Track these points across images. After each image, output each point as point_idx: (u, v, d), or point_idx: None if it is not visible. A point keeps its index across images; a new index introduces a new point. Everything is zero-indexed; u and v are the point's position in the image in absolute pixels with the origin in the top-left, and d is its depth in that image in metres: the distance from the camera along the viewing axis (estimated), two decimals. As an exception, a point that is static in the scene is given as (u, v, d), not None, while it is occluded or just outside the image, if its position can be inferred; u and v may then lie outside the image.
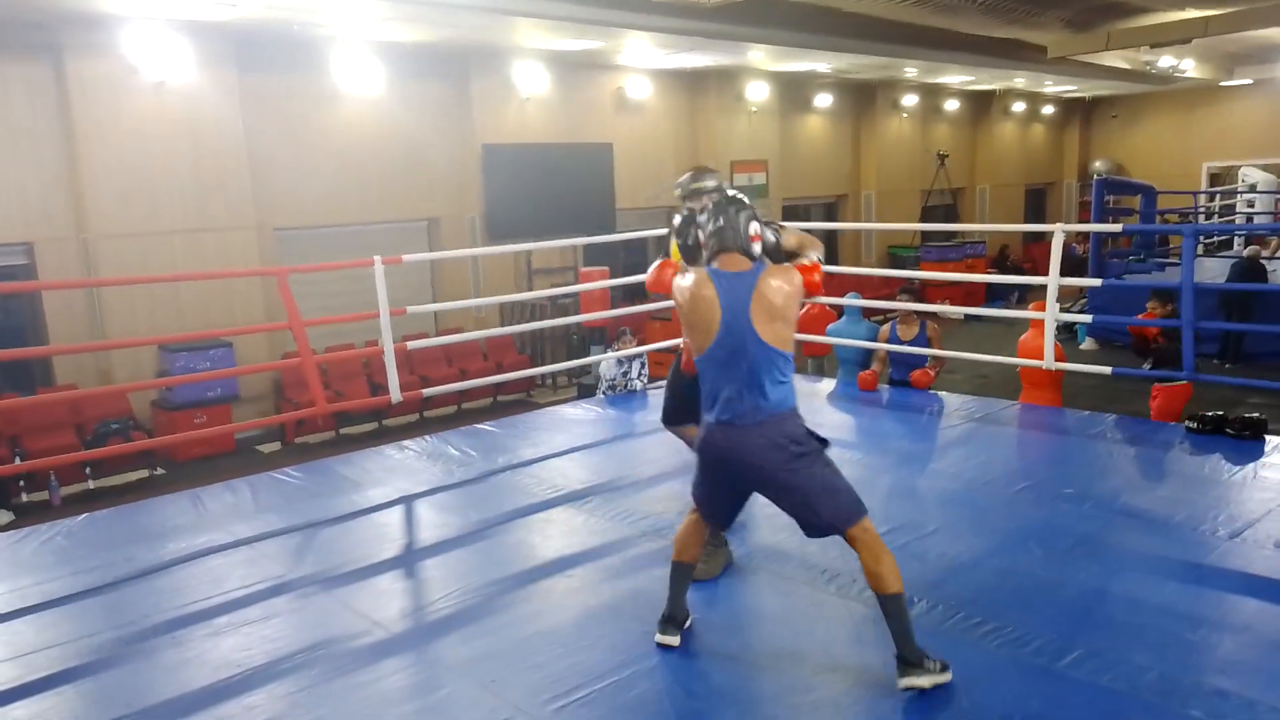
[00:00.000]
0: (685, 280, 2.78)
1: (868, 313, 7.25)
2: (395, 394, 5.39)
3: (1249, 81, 18.34)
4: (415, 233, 11.20)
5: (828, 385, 6.70)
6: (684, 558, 2.93)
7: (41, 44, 8.21)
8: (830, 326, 7.18)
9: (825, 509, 2.68)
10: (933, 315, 6.40)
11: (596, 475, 4.72)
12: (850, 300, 6.99)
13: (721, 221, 2.76)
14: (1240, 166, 16.57)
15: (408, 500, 4.48)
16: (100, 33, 8.16)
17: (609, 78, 12.80)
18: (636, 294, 12.57)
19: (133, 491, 7.80)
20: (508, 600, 3.30)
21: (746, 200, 2.88)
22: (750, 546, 3.66)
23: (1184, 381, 5.61)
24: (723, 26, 9.68)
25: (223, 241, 9.11)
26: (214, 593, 3.45)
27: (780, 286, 2.69)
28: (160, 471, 8.48)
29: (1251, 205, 13.84)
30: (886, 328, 6.37)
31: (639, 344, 6.88)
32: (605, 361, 6.76)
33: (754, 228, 2.77)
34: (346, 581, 3.53)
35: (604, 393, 6.65)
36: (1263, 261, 10.36)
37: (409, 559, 3.80)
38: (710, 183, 3.46)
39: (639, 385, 6.58)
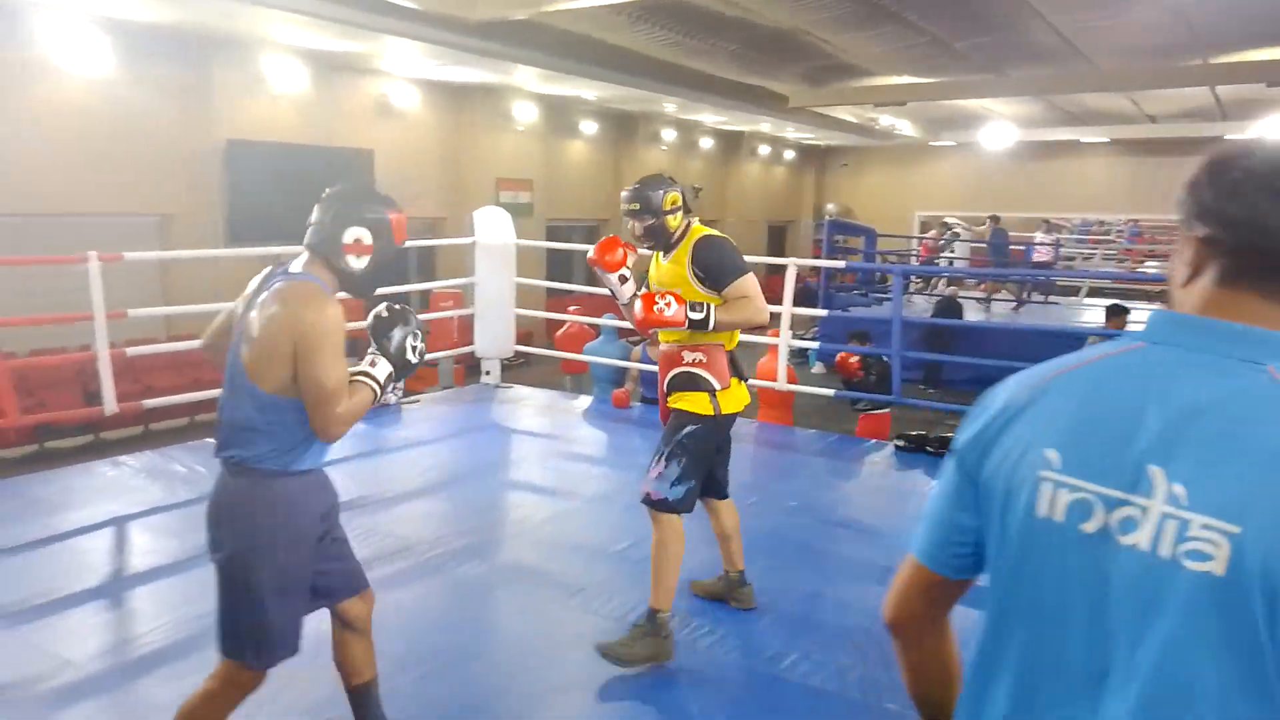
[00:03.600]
0: None
1: (622, 333, 7.50)
2: (110, 404, 4.85)
3: (952, 143, 21.12)
4: (143, 229, 10.12)
5: (584, 402, 6.84)
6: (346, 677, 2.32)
7: None
8: (587, 345, 7.34)
9: (227, 625, 2.09)
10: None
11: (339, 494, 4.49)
12: (606, 321, 7.19)
13: (315, 215, 2.15)
14: (944, 216, 18.96)
15: (118, 523, 4.03)
16: None
17: (372, 82, 12.35)
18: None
19: None
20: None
21: (365, 198, 2.19)
22: (493, 565, 3.65)
23: (886, 410, 6.32)
24: (486, 44, 9.66)
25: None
26: None
27: (274, 312, 1.99)
28: None
29: (952, 251, 15.90)
30: (638, 349, 6.62)
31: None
32: (356, 375, 6.47)
33: (351, 234, 2.11)
34: (34, 617, 3.11)
35: (353, 408, 6.35)
36: (959, 300, 11.92)
37: (112, 589, 3.42)
38: (624, 202, 2.97)
39: (393, 399, 6.36)
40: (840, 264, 10.77)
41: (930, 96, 12.62)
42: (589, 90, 13.93)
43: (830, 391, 6.32)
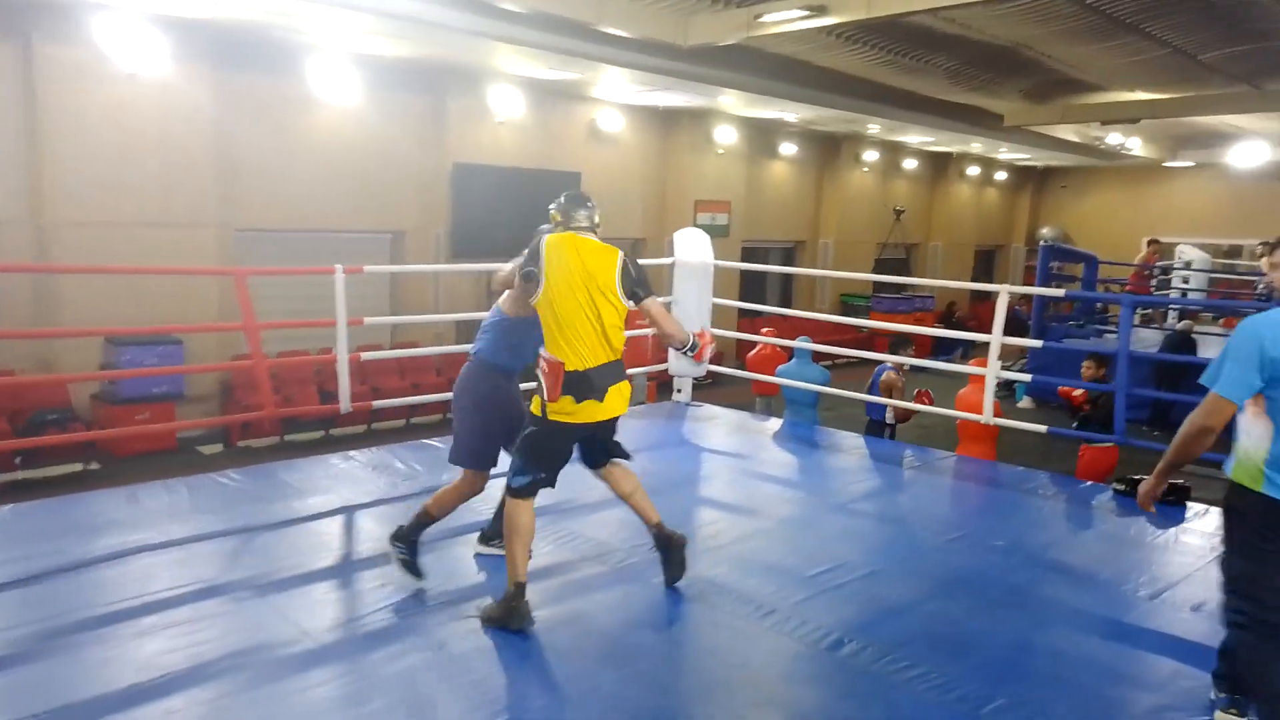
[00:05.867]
0: None
1: (817, 356, 7.40)
2: (345, 403, 5.35)
3: (1191, 164, 19.25)
4: (379, 244, 11.14)
5: (774, 424, 6.80)
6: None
7: (8, 26, 8.06)
8: (781, 368, 7.30)
9: (455, 445, 3.58)
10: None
11: (542, 497, 4.70)
12: (801, 343, 7.13)
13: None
14: (1178, 244, 17.28)
15: (349, 510, 4.44)
16: (71, 20, 8.05)
17: (583, 108, 12.94)
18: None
19: (66, 484, 7.56)
20: (444, 616, 3.30)
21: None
22: (687, 578, 3.70)
23: (1112, 444, 5.81)
24: (696, 69, 9.88)
25: (183, 237, 8.96)
26: (142, 592, 3.39)
27: None
28: (95, 466, 8.23)
29: (1186, 281, 14.46)
30: (892, 373, 6.94)
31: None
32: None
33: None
34: (280, 588, 3.49)
35: (555, 417, 6.66)
36: (1194, 335, 10.79)
37: (346, 569, 3.77)
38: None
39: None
40: (1058, 292, 10.02)
41: (1171, 113, 11.59)
42: (792, 112, 13.90)
43: (1043, 428, 5.93)
